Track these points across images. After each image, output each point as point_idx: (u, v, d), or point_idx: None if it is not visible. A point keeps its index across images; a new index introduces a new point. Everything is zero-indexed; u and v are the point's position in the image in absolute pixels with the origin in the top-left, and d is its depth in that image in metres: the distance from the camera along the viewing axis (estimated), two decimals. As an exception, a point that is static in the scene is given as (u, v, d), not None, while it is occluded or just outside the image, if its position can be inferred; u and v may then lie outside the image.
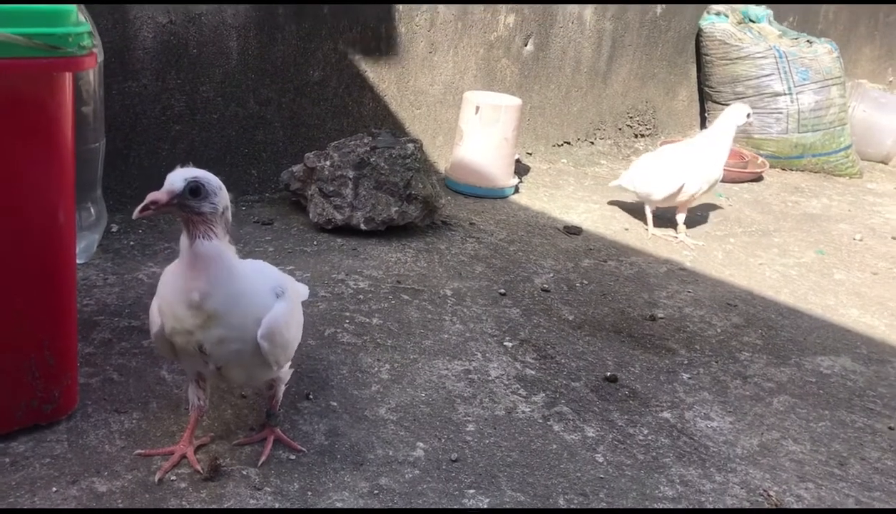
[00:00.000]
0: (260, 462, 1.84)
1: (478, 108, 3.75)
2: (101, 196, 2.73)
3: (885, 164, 5.46)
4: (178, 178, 1.52)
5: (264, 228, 3.17)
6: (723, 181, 4.48)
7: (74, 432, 1.86)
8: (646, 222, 3.65)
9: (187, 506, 1.70)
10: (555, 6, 4.38)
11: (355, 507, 1.75)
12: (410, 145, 3.21)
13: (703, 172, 3.47)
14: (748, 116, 3.50)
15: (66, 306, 1.82)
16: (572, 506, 1.84)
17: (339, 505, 1.75)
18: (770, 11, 5.41)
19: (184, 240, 1.57)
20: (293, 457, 1.88)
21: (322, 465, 1.87)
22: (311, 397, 2.12)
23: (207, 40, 3.17)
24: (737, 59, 5.07)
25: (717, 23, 5.17)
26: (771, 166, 4.92)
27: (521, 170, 4.23)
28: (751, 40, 5.07)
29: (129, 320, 2.36)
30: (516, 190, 3.95)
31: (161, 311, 1.67)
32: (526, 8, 4.25)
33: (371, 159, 3.13)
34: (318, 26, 3.47)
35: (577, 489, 1.90)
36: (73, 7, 1.59)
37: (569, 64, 4.62)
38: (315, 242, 3.08)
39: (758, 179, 4.76)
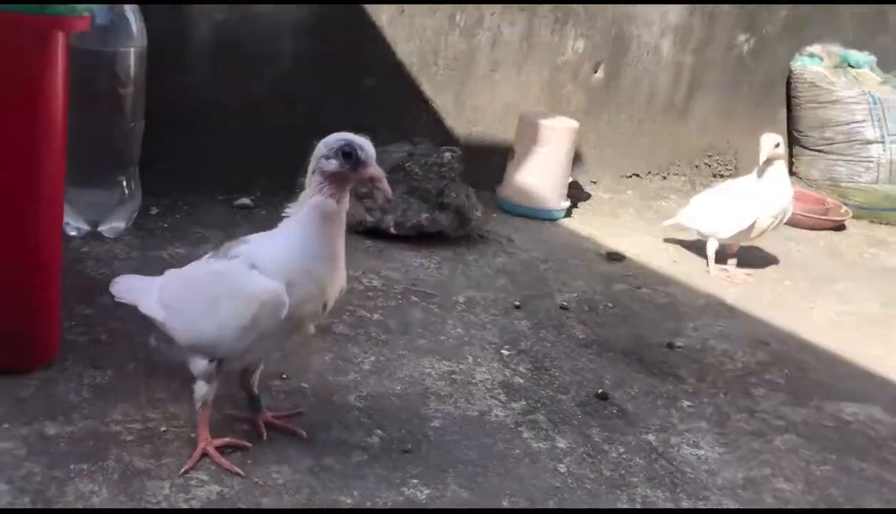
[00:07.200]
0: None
1: (531, 128, 3.72)
2: (137, 176, 2.86)
3: None
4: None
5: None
6: (800, 227, 4.27)
7: (45, 380, 1.94)
8: (707, 262, 3.45)
9: (127, 458, 1.73)
10: (629, 35, 4.31)
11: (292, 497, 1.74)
12: (448, 154, 3.21)
13: (770, 207, 3.31)
14: (777, 145, 3.28)
15: (47, 257, 1.92)
16: (516, 508, 1.77)
17: (274, 477, 1.75)
18: (873, 58, 5.13)
19: (327, 201, 1.63)
20: (245, 428, 1.89)
21: (270, 437, 1.87)
22: (284, 376, 2.13)
23: (261, 38, 3.30)
24: (827, 102, 4.83)
25: (810, 65, 4.94)
26: (857, 217, 4.62)
27: (580, 196, 4.15)
28: (844, 84, 4.82)
29: (138, 290, 2.45)
30: (568, 213, 3.88)
31: (297, 284, 1.66)
32: (597, 34, 4.21)
33: (406, 165, 3.16)
34: (375, 36, 3.55)
35: (525, 493, 1.82)
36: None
37: (642, 95, 4.52)
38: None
39: (839, 228, 4.48)
